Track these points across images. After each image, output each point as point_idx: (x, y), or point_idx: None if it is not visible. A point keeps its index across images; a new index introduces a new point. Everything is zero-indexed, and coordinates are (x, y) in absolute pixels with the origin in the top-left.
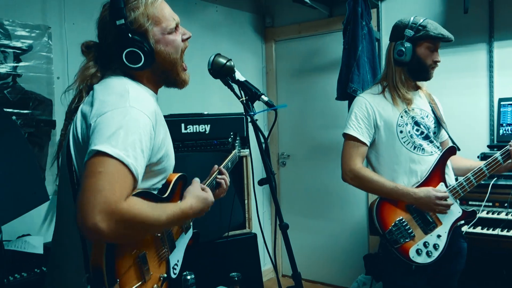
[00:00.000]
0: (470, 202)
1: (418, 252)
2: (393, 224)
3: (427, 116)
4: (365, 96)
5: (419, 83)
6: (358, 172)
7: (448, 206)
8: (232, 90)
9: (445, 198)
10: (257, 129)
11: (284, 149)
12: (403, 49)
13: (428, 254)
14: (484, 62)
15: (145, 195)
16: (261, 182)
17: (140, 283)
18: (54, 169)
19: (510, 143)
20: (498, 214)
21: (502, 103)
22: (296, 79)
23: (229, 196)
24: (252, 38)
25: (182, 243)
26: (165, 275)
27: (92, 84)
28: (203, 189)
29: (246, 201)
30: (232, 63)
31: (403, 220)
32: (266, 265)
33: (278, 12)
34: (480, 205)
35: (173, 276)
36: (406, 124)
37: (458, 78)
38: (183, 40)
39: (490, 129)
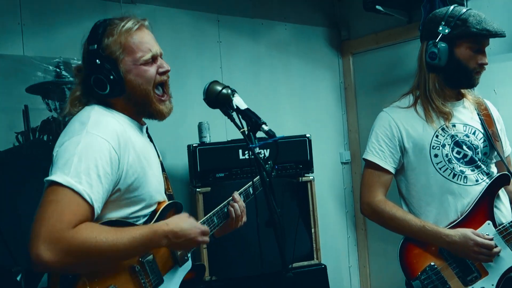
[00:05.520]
0: None
1: None
2: (422, 270)
3: (473, 133)
4: (389, 111)
5: (464, 90)
6: (377, 206)
7: (492, 256)
8: (232, 120)
9: (489, 247)
10: (259, 164)
11: None
12: (436, 51)
13: None
14: None
15: (116, 224)
16: (267, 224)
17: None
18: None
19: None
20: None
21: None
22: (377, 92)
23: (293, 223)
24: (326, 53)
25: (176, 277)
26: None
27: (72, 112)
28: None
29: (313, 230)
30: (229, 91)
31: (435, 266)
32: None
33: (354, 23)
34: None
35: None
36: (443, 146)
37: None
38: (160, 73)
39: None
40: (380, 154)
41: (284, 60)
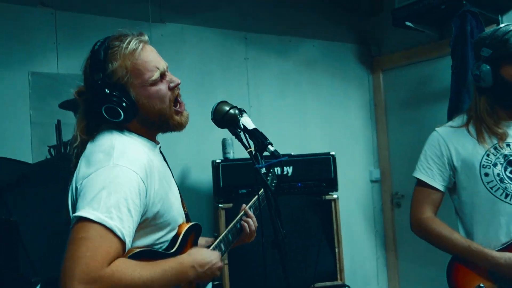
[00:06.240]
0: None
1: None
2: None
3: None
4: (440, 131)
5: None
6: (425, 224)
7: None
8: (240, 140)
9: None
10: (265, 185)
11: (398, 188)
12: (478, 73)
13: None
14: None
15: (145, 254)
16: (273, 245)
17: None
18: None
19: None
20: None
21: None
22: (408, 109)
23: (316, 242)
24: (356, 70)
25: None
26: None
27: (84, 139)
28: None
29: (336, 249)
30: (236, 111)
31: None
32: None
33: (384, 40)
34: None
35: None
36: (495, 165)
37: None
38: (170, 89)
39: None
40: (428, 172)
41: (312, 77)
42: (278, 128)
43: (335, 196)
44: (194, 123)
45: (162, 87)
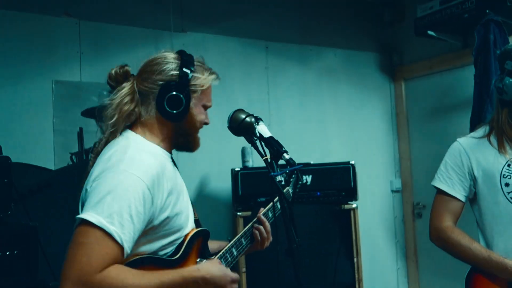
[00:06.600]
0: None
1: None
2: None
3: None
4: (461, 141)
5: None
6: (443, 233)
7: None
8: (256, 148)
9: None
10: (280, 193)
11: (419, 198)
12: (501, 86)
13: None
14: None
15: (146, 261)
16: (287, 253)
17: None
18: None
19: None
20: None
21: None
22: (430, 119)
23: (334, 251)
24: (377, 79)
25: None
26: None
27: (124, 125)
28: None
29: (355, 259)
30: (252, 119)
31: None
32: None
33: (406, 49)
34: None
35: None
36: None
37: None
38: (204, 123)
39: None
40: (448, 181)
41: (333, 86)
42: (298, 137)
43: (354, 205)
44: (214, 132)
45: (203, 116)
